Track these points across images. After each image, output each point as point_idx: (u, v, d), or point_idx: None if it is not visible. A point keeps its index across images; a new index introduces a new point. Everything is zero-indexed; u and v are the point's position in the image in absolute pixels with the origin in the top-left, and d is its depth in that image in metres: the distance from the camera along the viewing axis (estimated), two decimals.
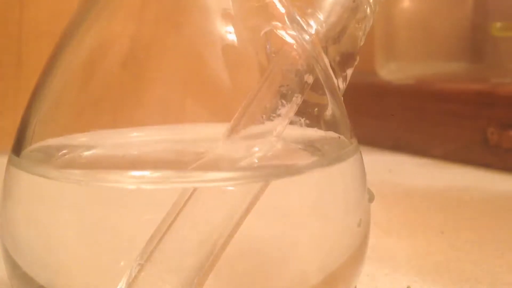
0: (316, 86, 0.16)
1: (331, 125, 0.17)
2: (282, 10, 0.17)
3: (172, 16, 0.17)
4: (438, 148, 0.49)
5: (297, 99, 0.15)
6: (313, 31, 0.17)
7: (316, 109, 0.17)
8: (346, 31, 0.18)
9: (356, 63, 0.18)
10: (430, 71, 0.56)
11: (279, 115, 0.15)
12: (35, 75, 0.17)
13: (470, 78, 0.53)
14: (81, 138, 0.17)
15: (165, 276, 0.14)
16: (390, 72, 0.57)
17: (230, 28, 0.15)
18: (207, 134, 0.16)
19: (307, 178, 0.15)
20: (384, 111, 0.54)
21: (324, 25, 0.17)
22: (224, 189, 0.14)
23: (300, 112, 0.16)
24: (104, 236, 0.14)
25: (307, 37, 0.17)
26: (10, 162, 0.17)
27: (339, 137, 0.17)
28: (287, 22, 0.16)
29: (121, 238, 0.14)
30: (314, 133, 0.17)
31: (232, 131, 0.15)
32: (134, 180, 0.14)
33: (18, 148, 0.17)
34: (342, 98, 0.18)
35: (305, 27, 0.17)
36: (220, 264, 0.14)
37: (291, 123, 0.16)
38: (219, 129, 0.15)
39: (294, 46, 0.16)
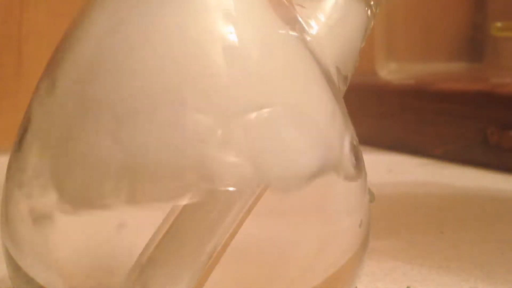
0: None
1: None
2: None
3: None
4: (438, 148, 0.49)
5: None
6: (314, 32, 0.17)
7: None
8: (347, 32, 0.18)
9: (356, 64, 0.18)
10: (430, 71, 0.56)
11: None
12: (35, 75, 0.17)
13: (470, 78, 0.53)
14: None
15: (165, 276, 0.14)
16: (390, 72, 0.57)
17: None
18: None
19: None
20: (384, 111, 0.54)
21: (325, 26, 0.17)
22: (224, 190, 0.14)
23: None
24: (105, 235, 0.14)
25: (308, 38, 0.17)
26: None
27: None
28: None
29: (121, 238, 0.14)
30: None
31: None
32: None
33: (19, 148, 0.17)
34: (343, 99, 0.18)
35: (306, 28, 0.17)
36: (221, 265, 0.14)
37: None
38: None
39: None
